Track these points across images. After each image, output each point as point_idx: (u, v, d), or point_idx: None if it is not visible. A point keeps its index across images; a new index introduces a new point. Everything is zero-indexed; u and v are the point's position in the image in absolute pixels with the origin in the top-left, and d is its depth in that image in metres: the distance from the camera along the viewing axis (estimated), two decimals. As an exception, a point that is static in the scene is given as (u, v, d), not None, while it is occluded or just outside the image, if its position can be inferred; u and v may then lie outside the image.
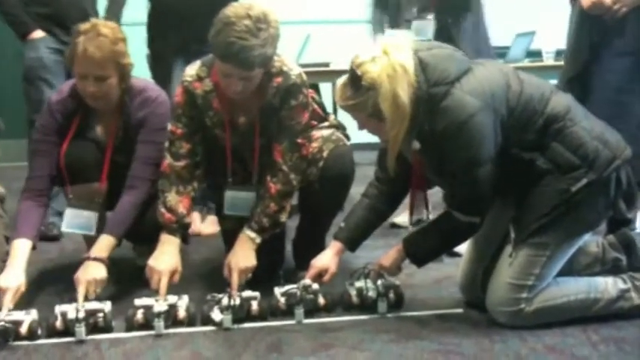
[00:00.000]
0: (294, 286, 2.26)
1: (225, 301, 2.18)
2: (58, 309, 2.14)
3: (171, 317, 2.15)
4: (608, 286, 2.13)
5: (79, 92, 2.44)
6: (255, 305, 2.21)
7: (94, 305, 2.16)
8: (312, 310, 2.24)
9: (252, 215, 2.41)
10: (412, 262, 2.26)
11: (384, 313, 2.22)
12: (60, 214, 3.11)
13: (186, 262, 2.82)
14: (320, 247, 2.61)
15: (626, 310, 2.13)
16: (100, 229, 2.47)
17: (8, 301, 2.16)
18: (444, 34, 3.08)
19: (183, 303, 2.21)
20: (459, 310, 2.26)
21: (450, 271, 2.62)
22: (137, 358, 2.00)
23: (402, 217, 3.24)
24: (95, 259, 2.28)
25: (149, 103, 2.50)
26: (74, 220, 2.45)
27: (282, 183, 2.40)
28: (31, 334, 2.10)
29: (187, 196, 2.42)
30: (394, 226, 3.21)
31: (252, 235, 2.39)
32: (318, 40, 4.64)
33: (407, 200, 3.27)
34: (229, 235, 2.55)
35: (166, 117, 2.50)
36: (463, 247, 2.39)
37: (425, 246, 2.22)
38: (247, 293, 2.24)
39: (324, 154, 2.48)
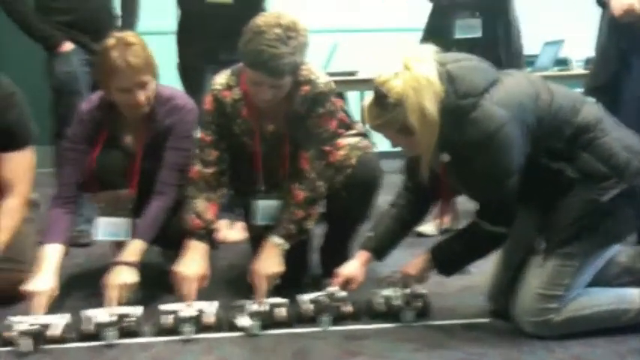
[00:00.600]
0: (321, 293, 2.27)
1: (253, 307, 2.19)
2: (88, 313, 2.18)
3: (199, 323, 2.17)
4: (637, 297, 2.11)
5: (120, 104, 2.46)
6: (282, 312, 2.22)
7: (124, 310, 2.20)
8: (338, 318, 2.24)
9: (279, 222, 2.43)
10: (439, 272, 2.25)
11: (409, 322, 2.21)
12: (89, 221, 3.17)
13: (213, 268, 2.87)
14: (346, 255, 2.63)
15: (655, 321, 2.10)
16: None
17: (40, 305, 2.20)
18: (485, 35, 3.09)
19: (212, 308, 2.22)
20: (486, 320, 2.26)
21: (476, 279, 2.61)
22: (165, 361, 2.02)
23: (428, 225, 3.25)
24: (126, 263, 2.31)
25: (177, 110, 2.54)
26: (107, 229, 2.49)
27: (308, 190, 2.42)
28: (64, 338, 2.13)
29: (215, 203, 2.45)
30: (420, 235, 3.21)
31: (279, 241, 2.40)
32: (345, 48, 4.66)
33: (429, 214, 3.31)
34: (257, 242, 2.57)
35: (193, 124, 2.54)
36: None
37: (452, 255, 2.21)
38: (275, 300, 2.25)
39: (352, 161, 2.49)
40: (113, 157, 2.52)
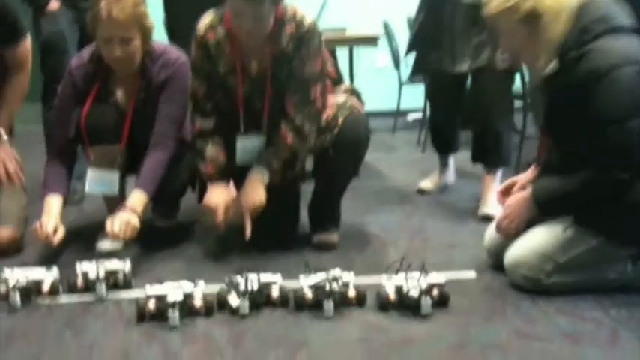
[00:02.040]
0: (323, 276, 2.05)
1: (242, 285, 2.02)
2: (79, 267, 2.20)
3: (186, 308, 1.98)
4: (628, 269, 2.11)
5: (104, 57, 2.47)
6: (275, 291, 2.06)
7: (114, 264, 2.22)
8: (341, 304, 2.02)
9: (262, 156, 2.45)
10: (538, 210, 2.13)
11: (428, 314, 1.96)
12: (81, 177, 3.17)
13: (203, 233, 2.89)
14: (335, 213, 2.65)
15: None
16: (121, 191, 2.53)
17: (55, 240, 2.32)
18: None
19: (199, 291, 2.02)
20: (472, 275, 2.28)
21: (464, 236, 2.66)
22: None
23: (427, 181, 3.26)
24: (131, 210, 2.34)
25: (170, 65, 2.53)
26: (97, 182, 2.51)
27: (295, 131, 2.42)
28: (53, 292, 2.16)
29: (221, 148, 2.48)
30: (421, 191, 3.22)
31: (262, 171, 2.42)
32: (335, 4, 4.61)
33: (435, 166, 3.33)
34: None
35: (187, 78, 2.53)
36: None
37: (558, 193, 2.08)
38: (267, 277, 2.08)
39: (339, 120, 2.49)
40: (103, 111, 2.52)
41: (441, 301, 2.01)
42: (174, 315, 1.93)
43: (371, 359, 1.75)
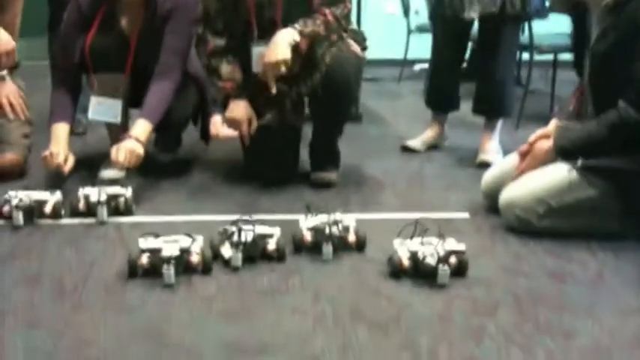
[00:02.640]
0: (324, 218, 2.01)
1: (235, 236, 1.89)
2: (82, 191, 2.25)
3: (182, 264, 1.82)
4: (619, 222, 2.13)
5: None
6: (272, 244, 1.92)
7: (115, 190, 2.27)
8: (341, 248, 1.98)
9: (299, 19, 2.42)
10: (559, 154, 2.14)
11: (444, 284, 1.79)
12: (85, 109, 3.20)
13: (204, 163, 2.94)
14: (333, 152, 2.68)
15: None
16: (124, 121, 2.57)
17: (66, 169, 2.40)
18: None
19: (197, 246, 1.86)
20: (466, 216, 2.33)
21: (459, 180, 2.70)
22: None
23: (415, 140, 3.23)
24: (135, 139, 2.37)
25: None
26: (99, 108, 2.55)
27: (332, 15, 2.43)
28: (55, 214, 2.21)
29: (236, 65, 2.52)
30: (406, 149, 3.17)
31: (291, 30, 2.39)
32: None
33: (424, 124, 3.31)
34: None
35: (193, 9, 2.53)
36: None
37: (582, 136, 2.10)
38: (263, 229, 1.93)
39: (327, 59, 2.49)
40: (108, 39, 2.53)
41: (460, 271, 1.82)
42: (169, 272, 1.77)
43: (361, 288, 1.81)
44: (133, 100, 2.61)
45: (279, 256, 1.93)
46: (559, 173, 2.13)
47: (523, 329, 1.59)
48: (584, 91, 2.23)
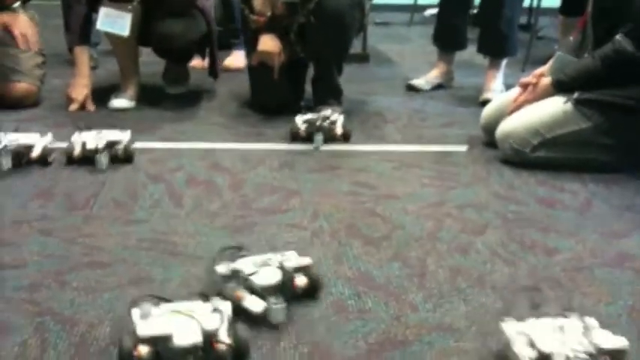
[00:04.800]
0: (315, 115, 2.43)
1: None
2: (78, 137, 2.15)
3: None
4: (609, 154, 2.18)
5: None
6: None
7: (114, 135, 2.16)
8: (330, 139, 2.38)
9: None
10: (556, 86, 2.21)
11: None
12: (96, 45, 3.27)
13: (213, 96, 3.01)
14: (334, 87, 2.73)
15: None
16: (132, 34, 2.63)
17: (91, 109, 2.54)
18: None
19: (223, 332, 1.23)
20: (463, 149, 2.40)
21: (461, 117, 2.76)
22: (163, 163, 2.19)
23: (421, 79, 3.26)
24: None
25: None
26: (108, 20, 2.59)
27: None
28: (43, 159, 2.10)
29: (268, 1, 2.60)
30: (411, 88, 3.21)
31: None
32: None
33: (431, 65, 3.34)
34: (256, 70, 2.71)
35: None
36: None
37: (578, 69, 2.18)
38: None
39: None
40: None
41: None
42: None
43: (356, 207, 1.89)
44: (143, 38, 2.67)
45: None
46: (554, 106, 2.18)
47: (509, 246, 1.68)
48: (586, 22, 2.27)
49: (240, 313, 1.30)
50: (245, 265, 1.41)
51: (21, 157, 2.10)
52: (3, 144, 2.07)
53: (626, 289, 1.50)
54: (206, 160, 2.23)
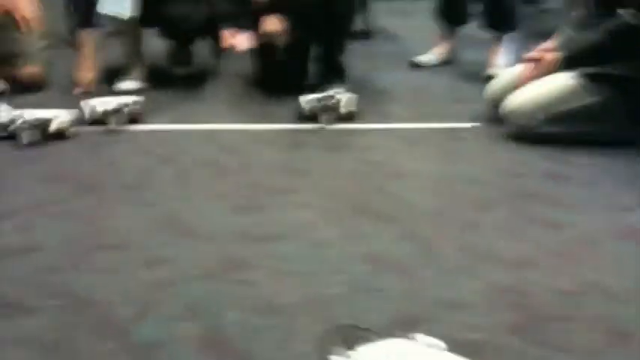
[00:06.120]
0: (320, 94, 2.44)
1: None
2: (93, 102, 2.33)
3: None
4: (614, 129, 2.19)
5: None
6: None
7: (127, 99, 2.35)
8: (336, 118, 2.39)
9: None
10: (563, 62, 2.23)
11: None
12: (101, 26, 3.27)
13: (216, 80, 3.01)
14: (338, 67, 2.74)
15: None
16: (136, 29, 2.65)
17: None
18: None
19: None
20: (468, 125, 2.41)
21: (466, 93, 2.76)
22: (171, 144, 2.21)
23: (425, 56, 3.24)
24: None
25: None
26: (110, 2, 2.61)
27: None
28: (60, 133, 2.22)
29: None
30: (416, 65, 3.20)
31: None
32: None
33: (433, 39, 3.34)
34: (261, 52, 2.72)
35: None
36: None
37: (584, 44, 2.19)
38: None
39: None
40: None
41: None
42: None
43: (364, 186, 1.91)
44: (147, 19, 2.67)
45: None
46: (560, 81, 2.19)
47: (514, 221, 1.70)
48: None
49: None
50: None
51: (41, 132, 2.20)
52: (22, 119, 2.18)
53: (632, 262, 1.52)
54: (214, 141, 2.24)
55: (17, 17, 2.69)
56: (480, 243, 1.59)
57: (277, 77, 2.73)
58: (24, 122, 2.18)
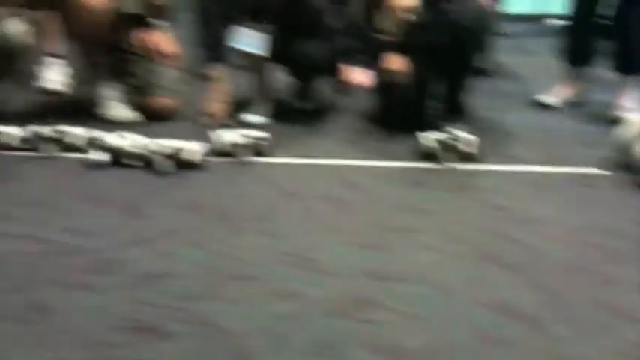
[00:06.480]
0: (442, 133, 2.43)
1: None
2: (220, 134, 2.44)
3: None
4: None
5: None
6: None
7: (255, 133, 2.45)
8: (459, 158, 2.37)
9: None
10: None
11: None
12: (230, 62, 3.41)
13: (339, 115, 3.05)
14: (458, 106, 2.77)
15: None
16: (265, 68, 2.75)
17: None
18: None
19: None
20: (600, 171, 2.32)
21: (594, 137, 2.66)
22: (297, 178, 2.27)
23: (549, 95, 3.15)
24: None
25: None
26: (244, 39, 2.75)
27: None
28: (194, 164, 2.31)
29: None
30: (539, 104, 3.13)
31: None
32: None
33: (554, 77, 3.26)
34: (384, 89, 2.76)
35: None
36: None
37: None
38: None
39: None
40: None
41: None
42: None
43: (490, 230, 1.88)
44: (279, 56, 2.78)
45: None
46: None
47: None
48: None
49: None
50: None
51: (174, 161, 2.30)
52: (156, 149, 2.30)
53: None
54: (336, 176, 2.29)
55: (153, 49, 2.85)
56: (613, 299, 1.53)
57: (397, 115, 2.75)
58: (158, 152, 2.30)
